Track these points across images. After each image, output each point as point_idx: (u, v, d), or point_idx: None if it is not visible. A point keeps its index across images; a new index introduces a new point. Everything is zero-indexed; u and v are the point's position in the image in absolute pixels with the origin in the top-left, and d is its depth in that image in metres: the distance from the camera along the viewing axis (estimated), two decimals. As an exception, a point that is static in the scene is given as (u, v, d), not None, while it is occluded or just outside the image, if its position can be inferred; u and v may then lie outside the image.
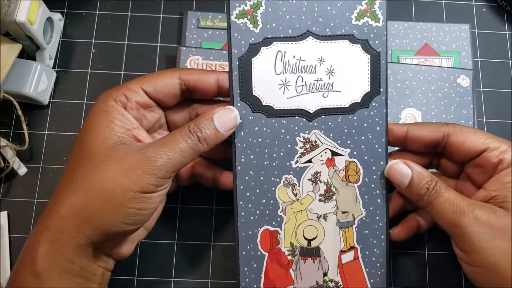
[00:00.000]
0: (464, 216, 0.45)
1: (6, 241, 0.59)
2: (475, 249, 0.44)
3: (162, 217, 0.54)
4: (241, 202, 0.51)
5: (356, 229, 0.52)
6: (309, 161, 0.51)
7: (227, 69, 0.51)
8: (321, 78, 0.51)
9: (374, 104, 0.51)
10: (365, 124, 0.51)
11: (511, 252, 0.43)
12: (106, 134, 0.46)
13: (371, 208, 0.52)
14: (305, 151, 0.51)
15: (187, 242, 0.61)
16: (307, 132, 0.51)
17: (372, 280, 0.52)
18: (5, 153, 0.62)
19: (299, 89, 0.50)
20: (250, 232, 0.51)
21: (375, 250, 0.52)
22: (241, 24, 0.50)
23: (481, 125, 0.66)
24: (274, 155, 0.51)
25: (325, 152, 0.51)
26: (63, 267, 0.43)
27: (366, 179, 0.52)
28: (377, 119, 0.51)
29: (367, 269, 0.52)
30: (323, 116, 0.51)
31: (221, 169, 0.55)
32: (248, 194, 0.51)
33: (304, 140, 0.51)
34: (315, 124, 0.51)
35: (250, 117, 0.50)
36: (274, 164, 0.51)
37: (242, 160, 0.51)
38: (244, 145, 0.51)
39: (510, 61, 0.69)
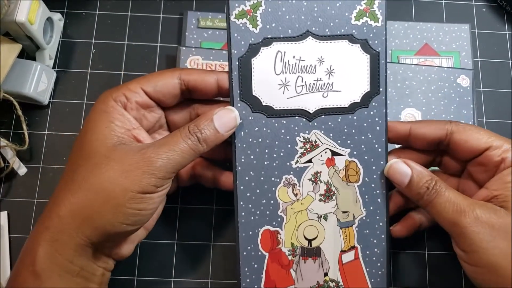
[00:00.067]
0: (465, 215, 0.45)
1: (6, 241, 0.59)
2: (476, 249, 0.44)
3: (162, 217, 0.54)
4: (241, 203, 0.51)
5: (357, 229, 0.52)
6: (309, 161, 0.51)
7: (227, 69, 0.51)
8: (320, 78, 0.51)
9: (373, 104, 0.51)
10: (365, 124, 0.51)
11: (511, 252, 0.43)
12: (106, 134, 0.46)
13: (371, 208, 0.52)
14: (305, 151, 0.51)
15: (187, 242, 0.61)
16: (307, 132, 0.51)
17: (372, 280, 0.52)
18: (5, 153, 0.62)
19: (299, 89, 0.50)
20: (250, 233, 0.51)
21: (376, 249, 0.52)
22: (241, 24, 0.50)
23: (481, 125, 0.66)
24: (274, 155, 0.51)
25: (325, 152, 0.51)
26: (63, 267, 0.43)
27: (366, 178, 0.52)
28: (377, 119, 0.51)
29: (367, 269, 0.52)
30: (323, 116, 0.51)
31: (221, 170, 0.55)
32: (248, 194, 0.51)
33: (304, 140, 0.51)
34: (315, 124, 0.51)
35: (250, 118, 0.50)
36: (274, 164, 0.51)
37: (242, 160, 0.51)
38: (244, 145, 0.51)
39: (510, 61, 0.69)
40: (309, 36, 0.50)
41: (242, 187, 0.51)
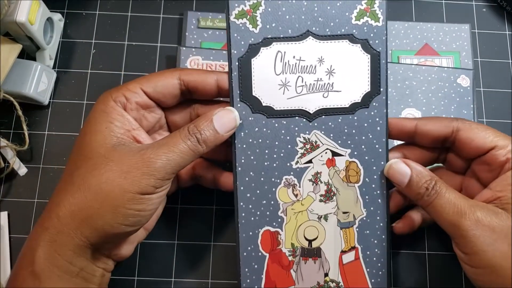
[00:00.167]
0: (465, 217, 0.45)
1: (6, 241, 0.60)
2: (476, 251, 0.44)
3: (162, 217, 0.54)
4: (241, 203, 0.51)
5: (357, 229, 0.52)
6: (310, 161, 0.51)
7: (227, 69, 0.51)
8: (321, 78, 0.51)
9: (374, 104, 0.51)
10: (365, 124, 0.51)
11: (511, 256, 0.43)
12: (105, 135, 0.46)
13: (371, 208, 0.52)
14: (305, 152, 0.51)
15: (187, 243, 0.61)
16: (307, 132, 0.51)
17: (373, 280, 0.52)
18: (5, 153, 0.62)
19: (299, 90, 0.50)
20: (250, 233, 0.51)
21: (376, 250, 0.52)
22: (241, 25, 0.50)
23: (481, 125, 0.66)
24: (275, 155, 0.51)
25: (326, 153, 0.51)
26: (62, 267, 0.43)
27: (366, 179, 0.52)
28: (377, 119, 0.51)
29: (368, 269, 0.52)
30: (323, 116, 0.51)
31: (221, 170, 0.55)
32: (248, 195, 0.51)
33: (304, 141, 0.51)
34: (315, 124, 0.51)
35: (250, 118, 0.50)
36: (274, 164, 0.51)
37: (242, 161, 0.51)
38: (244, 146, 0.51)
39: (510, 61, 0.69)
40: (309, 36, 0.50)
41: (242, 188, 0.51)
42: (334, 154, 0.51)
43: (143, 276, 0.60)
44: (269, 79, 0.50)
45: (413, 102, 0.64)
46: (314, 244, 0.52)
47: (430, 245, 0.62)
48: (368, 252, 0.52)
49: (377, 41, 0.50)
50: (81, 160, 0.46)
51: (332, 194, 0.52)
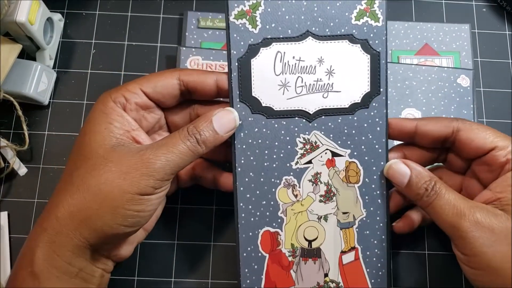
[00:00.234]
0: (465, 219, 0.44)
1: (6, 242, 0.60)
2: (476, 253, 0.44)
3: (162, 217, 0.54)
4: (241, 204, 0.51)
5: (357, 229, 0.52)
6: (309, 162, 0.51)
7: (226, 69, 0.51)
8: (320, 79, 0.50)
9: (374, 104, 0.51)
10: (365, 125, 0.51)
11: (511, 257, 0.43)
12: (104, 135, 0.46)
13: (371, 209, 0.52)
14: (305, 152, 0.51)
15: (187, 243, 0.61)
16: (307, 133, 0.51)
17: (373, 281, 0.52)
18: (5, 153, 0.62)
19: (299, 90, 0.50)
20: (250, 234, 0.51)
21: (376, 250, 0.52)
22: (240, 25, 0.50)
23: (482, 125, 0.66)
24: (274, 156, 0.51)
25: (325, 153, 0.51)
26: (61, 268, 0.43)
27: (366, 179, 0.52)
28: (377, 120, 0.51)
29: (368, 270, 0.52)
30: (323, 117, 0.51)
31: (221, 171, 0.55)
32: (248, 195, 0.51)
33: (304, 141, 0.51)
34: (315, 125, 0.51)
35: (249, 118, 0.50)
36: (274, 165, 0.51)
37: (242, 161, 0.51)
38: (244, 146, 0.51)
39: (510, 61, 0.69)
40: (309, 36, 0.50)
41: (242, 188, 0.51)
42: (334, 154, 0.51)
43: (143, 276, 0.60)
44: (269, 80, 0.50)
45: (413, 102, 0.64)
46: (314, 245, 0.52)
47: (430, 245, 0.62)
48: (368, 253, 0.52)
49: (377, 41, 0.50)
50: (80, 160, 0.46)
51: (332, 194, 0.52)
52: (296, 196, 0.51)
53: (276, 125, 0.51)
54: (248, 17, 0.50)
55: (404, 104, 0.64)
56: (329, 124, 0.51)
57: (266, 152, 0.51)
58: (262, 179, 0.51)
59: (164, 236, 0.61)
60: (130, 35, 0.68)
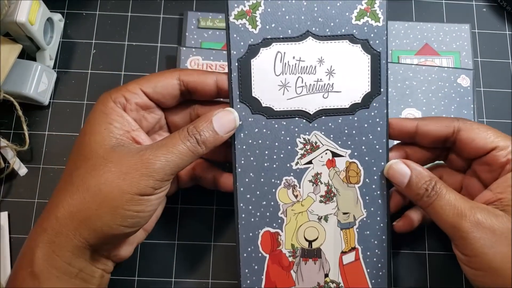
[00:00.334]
0: (465, 219, 0.44)
1: (6, 242, 0.60)
2: (476, 254, 0.44)
3: (162, 217, 0.54)
4: (241, 204, 0.51)
5: (357, 230, 0.52)
6: (310, 162, 0.51)
7: (226, 70, 0.51)
8: (321, 79, 0.50)
9: (374, 104, 0.51)
10: (365, 125, 0.51)
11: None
12: (104, 136, 0.46)
13: (372, 209, 0.52)
14: (305, 153, 0.51)
15: (187, 243, 0.61)
16: (307, 133, 0.51)
17: (373, 281, 0.52)
18: (5, 153, 0.62)
19: (299, 90, 0.50)
20: (250, 234, 0.51)
21: (376, 251, 0.52)
22: (240, 25, 0.50)
23: (482, 125, 0.66)
24: (274, 156, 0.51)
25: (326, 153, 0.51)
26: (61, 268, 0.43)
27: (367, 180, 0.52)
28: (377, 120, 0.51)
29: (368, 270, 0.52)
30: (323, 117, 0.51)
31: (221, 171, 0.55)
32: (248, 196, 0.51)
33: (304, 142, 0.51)
34: (315, 125, 0.51)
35: (249, 119, 0.50)
36: (274, 165, 0.51)
37: (242, 162, 0.51)
38: (244, 147, 0.51)
39: (510, 61, 0.69)
40: (309, 36, 0.50)
41: (242, 189, 0.51)
42: (334, 154, 0.51)
43: (143, 276, 0.60)
44: (269, 80, 0.50)
45: (413, 102, 0.64)
46: (314, 245, 0.52)
47: (430, 245, 0.62)
48: (368, 253, 0.52)
49: (377, 41, 0.50)
50: (80, 160, 0.46)
51: (332, 195, 0.51)
52: (296, 196, 0.51)
53: (276, 126, 0.51)
54: (248, 17, 0.49)
55: (404, 104, 0.64)
56: (330, 124, 0.51)
57: (266, 152, 0.51)
58: (262, 180, 0.51)
59: (164, 236, 0.61)
60: (130, 35, 0.68)
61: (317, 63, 0.50)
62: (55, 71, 0.65)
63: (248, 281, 0.51)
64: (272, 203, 0.51)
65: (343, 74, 0.50)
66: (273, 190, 0.51)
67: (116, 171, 0.44)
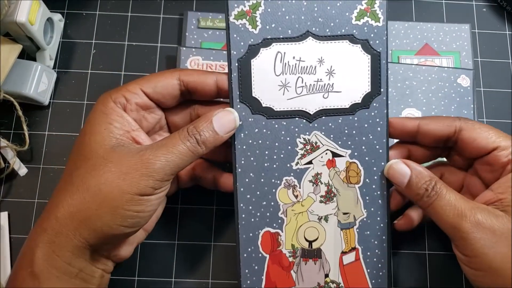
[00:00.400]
0: (466, 220, 0.44)
1: (6, 242, 0.60)
2: (477, 254, 0.44)
3: (162, 217, 0.54)
4: (241, 204, 0.51)
5: (357, 230, 0.52)
6: (310, 162, 0.51)
7: (227, 69, 0.51)
8: (321, 79, 0.50)
9: (374, 104, 0.51)
10: (365, 125, 0.51)
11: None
12: (104, 136, 0.46)
13: (372, 209, 0.52)
14: (305, 153, 0.51)
15: (187, 243, 0.61)
16: (307, 133, 0.51)
17: (373, 281, 0.52)
18: (5, 153, 0.62)
19: (299, 90, 0.50)
20: (251, 234, 0.51)
21: (377, 251, 0.52)
22: (240, 25, 0.50)
23: (482, 125, 0.66)
24: (275, 156, 0.51)
25: (326, 153, 0.51)
26: (61, 268, 0.43)
27: (367, 180, 0.52)
28: (377, 120, 0.51)
29: (368, 270, 0.52)
30: (323, 117, 0.51)
31: (221, 171, 0.55)
32: (248, 196, 0.51)
33: (304, 142, 0.51)
34: (316, 125, 0.51)
35: (250, 119, 0.50)
36: (274, 166, 0.51)
37: (242, 162, 0.51)
38: (244, 147, 0.51)
39: (510, 61, 0.69)
40: (309, 36, 0.50)
41: (242, 189, 0.51)
42: (335, 155, 0.51)
43: (143, 276, 0.60)
44: (269, 80, 0.50)
45: (413, 102, 0.64)
46: (315, 245, 0.52)
47: (430, 245, 0.62)
48: (368, 253, 0.52)
49: (377, 42, 0.50)
50: (80, 160, 0.46)
51: (332, 195, 0.51)
52: (296, 196, 0.51)
53: (276, 126, 0.51)
54: (248, 17, 0.49)
55: (404, 104, 0.64)
56: (330, 124, 0.51)
57: (267, 152, 0.51)
58: (262, 180, 0.51)
59: (164, 236, 0.61)
60: (130, 35, 0.68)
61: (317, 63, 0.50)
62: (55, 71, 0.65)
63: (248, 281, 0.51)
64: (272, 203, 0.51)
65: (343, 74, 0.50)
66: (273, 190, 0.51)
67: (116, 171, 0.44)
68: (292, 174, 0.51)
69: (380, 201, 0.52)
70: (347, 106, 0.51)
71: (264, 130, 0.50)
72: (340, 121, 0.51)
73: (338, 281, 0.52)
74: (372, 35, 0.50)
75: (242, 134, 0.50)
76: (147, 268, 0.60)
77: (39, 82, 0.61)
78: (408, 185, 0.49)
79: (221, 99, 0.54)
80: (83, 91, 0.66)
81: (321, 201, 0.51)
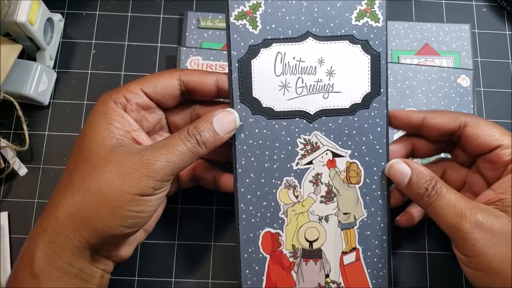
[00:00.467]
0: (466, 220, 0.44)
1: (6, 242, 0.60)
2: (477, 254, 0.44)
3: (162, 217, 0.54)
4: (242, 205, 0.51)
5: (358, 230, 0.52)
6: (310, 162, 0.51)
7: (227, 70, 0.51)
8: (321, 79, 0.50)
9: (374, 104, 0.51)
10: (365, 125, 0.51)
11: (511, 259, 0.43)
12: (105, 136, 0.46)
13: (372, 209, 0.52)
14: (305, 153, 0.51)
15: (187, 243, 0.61)
16: (307, 133, 0.51)
17: (374, 281, 0.52)
18: (5, 153, 0.62)
19: (299, 91, 0.50)
20: (251, 235, 0.51)
21: (377, 251, 0.52)
22: (240, 26, 0.50)
23: (482, 125, 0.66)
24: (275, 157, 0.51)
25: (326, 154, 0.51)
26: (61, 269, 0.43)
27: (367, 180, 0.52)
28: (377, 120, 0.51)
29: (368, 270, 0.52)
30: (323, 118, 0.51)
31: (221, 172, 0.55)
32: (249, 196, 0.51)
33: (304, 142, 0.51)
34: (316, 125, 0.51)
35: (250, 119, 0.50)
36: (275, 166, 0.51)
37: (243, 162, 0.51)
38: (245, 147, 0.51)
39: (510, 61, 0.69)
40: (309, 37, 0.50)
41: (242, 189, 0.51)
42: (335, 155, 0.51)
43: (143, 277, 0.60)
44: (269, 80, 0.50)
45: (413, 102, 0.64)
46: (315, 245, 0.52)
47: (430, 245, 0.62)
48: (369, 253, 0.52)
49: (377, 42, 0.50)
50: (80, 160, 0.46)
51: (332, 195, 0.51)
52: (297, 197, 0.51)
53: (276, 126, 0.50)
54: (248, 18, 0.49)
55: (404, 104, 0.64)
56: (330, 124, 0.51)
57: (267, 153, 0.51)
58: (262, 180, 0.51)
59: (164, 236, 0.61)
60: (130, 35, 0.68)
61: (317, 63, 0.50)
62: (55, 71, 0.65)
63: (249, 282, 0.51)
64: (273, 203, 0.51)
65: (343, 75, 0.50)
66: (274, 190, 0.51)
67: (116, 171, 0.44)
68: (292, 174, 0.51)
69: (380, 201, 0.52)
70: (347, 106, 0.51)
71: (265, 131, 0.50)
72: (340, 121, 0.51)
73: (339, 281, 0.52)
74: (372, 35, 0.50)
75: (242, 135, 0.50)
76: (147, 268, 0.60)
77: (39, 82, 0.61)
78: (408, 185, 0.48)
79: (221, 99, 0.54)
80: (83, 91, 0.66)
81: (321, 201, 0.51)
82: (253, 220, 0.51)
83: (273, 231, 0.51)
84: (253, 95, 0.50)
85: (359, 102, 0.51)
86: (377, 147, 0.51)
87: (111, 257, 0.49)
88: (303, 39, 0.50)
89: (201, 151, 0.46)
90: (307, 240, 0.52)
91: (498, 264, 0.43)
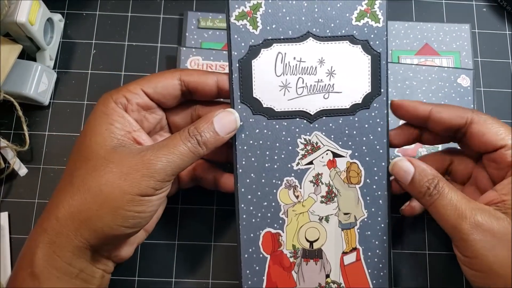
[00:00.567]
0: (466, 221, 0.44)
1: (6, 242, 0.60)
2: (476, 255, 0.44)
3: (162, 218, 0.54)
4: (242, 205, 0.51)
5: (358, 230, 0.52)
6: (311, 163, 0.51)
7: (227, 70, 0.51)
8: (321, 79, 0.50)
9: (375, 105, 0.51)
10: (366, 125, 0.51)
11: (511, 261, 0.43)
12: (105, 136, 0.46)
13: (372, 209, 0.52)
14: (306, 153, 0.51)
15: (187, 243, 0.61)
16: (308, 133, 0.51)
17: (374, 281, 0.52)
18: (5, 153, 0.62)
19: (300, 91, 0.50)
20: (251, 235, 0.51)
21: (377, 251, 0.52)
22: (241, 26, 0.50)
23: (482, 125, 0.66)
24: (275, 157, 0.51)
25: (326, 154, 0.51)
26: (61, 269, 0.43)
27: (367, 180, 0.52)
28: (378, 120, 0.51)
29: (369, 270, 0.52)
30: (324, 118, 0.51)
31: (222, 172, 0.55)
32: (249, 196, 0.51)
33: (305, 142, 0.51)
34: (316, 125, 0.51)
35: (250, 120, 0.50)
36: (275, 166, 0.51)
37: (243, 162, 0.51)
38: (245, 147, 0.51)
39: (510, 61, 0.69)
40: (309, 37, 0.50)
41: (243, 190, 0.51)
42: (335, 155, 0.51)
43: (144, 277, 0.60)
44: (270, 81, 0.50)
45: (414, 102, 0.64)
46: (315, 246, 0.52)
47: (431, 245, 0.62)
48: (369, 253, 0.52)
49: (377, 42, 0.50)
50: (81, 161, 0.46)
51: (333, 195, 0.51)
52: (297, 197, 0.51)
53: (277, 126, 0.51)
54: (249, 18, 0.49)
55: (404, 104, 0.64)
56: (330, 125, 0.51)
57: (267, 153, 0.51)
58: (263, 180, 0.51)
59: (164, 237, 0.61)
60: (130, 36, 0.68)
61: (317, 63, 0.50)
62: (55, 71, 0.65)
63: (249, 282, 0.51)
64: (273, 203, 0.51)
65: (344, 75, 0.50)
66: (274, 190, 0.51)
67: (117, 171, 0.44)
68: (293, 174, 0.51)
69: (380, 201, 0.52)
70: (348, 107, 0.51)
71: (265, 131, 0.50)
72: (340, 121, 0.51)
73: (339, 281, 0.52)
74: (372, 35, 0.50)
75: (243, 135, 0.50)
76: (147, 268, 0.60)
77: (39, 82, 0.61)
78: (411, 183, 0.48)
79: (222, 100, 0.54)
80: (83, 91, 0.66)
81: (322, 202, 0.51)
82: (253, 220, 0.51)
83: (273, 231, 0.51)
84: (254, 95, 0.50)
85: (360, 102, 0.51)
86: (378, 147, 0.51)
87: (111, 257, 0.49)
88: (303, 39, 0.50)
89: (202, 152, 0.46)
90: (307, 240, 0.52)
91: (497, 266, 0.43)
